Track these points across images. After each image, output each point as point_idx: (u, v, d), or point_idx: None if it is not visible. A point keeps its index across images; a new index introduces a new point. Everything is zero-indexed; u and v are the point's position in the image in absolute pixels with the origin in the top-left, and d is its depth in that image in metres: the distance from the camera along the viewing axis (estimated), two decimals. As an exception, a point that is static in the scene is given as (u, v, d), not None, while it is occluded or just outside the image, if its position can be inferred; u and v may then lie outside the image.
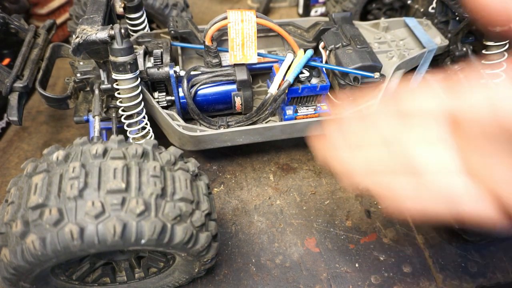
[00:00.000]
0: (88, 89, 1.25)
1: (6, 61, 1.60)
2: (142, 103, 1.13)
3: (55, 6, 1.85)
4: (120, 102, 1.10)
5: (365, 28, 1.48)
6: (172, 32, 1.29)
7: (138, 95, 1.09)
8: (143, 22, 1.39)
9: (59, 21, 1.87)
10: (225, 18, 1.19)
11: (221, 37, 1.34)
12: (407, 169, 0.59)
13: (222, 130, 1.20)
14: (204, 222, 0.83)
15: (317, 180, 1.38)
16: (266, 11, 2.22)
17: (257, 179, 1.38)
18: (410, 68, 1.40)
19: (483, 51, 1.34)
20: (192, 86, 1.22)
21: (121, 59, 0.99)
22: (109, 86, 1.12)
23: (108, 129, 1.26)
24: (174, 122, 1.18)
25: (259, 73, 1.41)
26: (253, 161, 1.44)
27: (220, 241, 1.10)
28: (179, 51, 1.39)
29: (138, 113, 1.13)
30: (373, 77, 1.23)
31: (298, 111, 1.27)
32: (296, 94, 1.24)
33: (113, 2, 1.20)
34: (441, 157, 0.56)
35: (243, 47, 1.20)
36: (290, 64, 1.22)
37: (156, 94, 1.22)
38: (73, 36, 0.95)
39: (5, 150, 1.46)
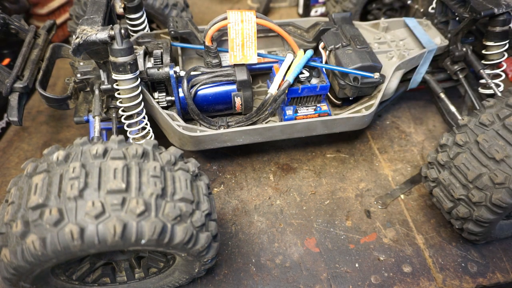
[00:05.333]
0: (88, 89, 1.25)
1: (6, 61, 1.60)
2: (142, 103, 1.13)
3: (55, 6, 1.85)
4: (120, 102, 1.10)
5: (365, 28, 1.48)
6: (172, 32, 1.29)
7: (138, 95, 1.09)
8: (143, 22, 1.39)
9: (59, 21, 1.87)
10: (225, 18, 1.19)
11: (221, 38, 1.34)
12: None
13: (222, 130, 1.20)
14: (204, 222, 0.83)
15: (317, 180, 1.38)
16: (266, 11, 2.22)
17: (257, 179, 1.38)
18: (410, 68, 1.40)
19: (483, 51, 1.34)
20: (192, 86, 1.22)
21: (121, 59, 0.99)
22: (109, 86, 1.12)
23: (108, 129, 1.26)
24: (174, 122, 1.18)
25: (259, 73, 1.42)
26: (253, 161, 1.44)
27: (220, 241, 1.10)
28: (179, 51, 1.39)
29: (138, 114, 1.13)
30: (373, 78, 1.23)
31: (298, 111, 1.27)
32: (296, 94, 1.24)
33: (113, 2, 1.20)
34: None
35: (243, 47, 1.20)
36: (290, 65, 1.23)
37: (156, 95, 1.22)
38: (73, 36, 0.95)
39: (5, 150, 1.46)
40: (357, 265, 1.16)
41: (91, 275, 1.01)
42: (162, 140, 1.24)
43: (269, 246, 1.20)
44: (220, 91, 1.25)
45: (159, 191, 0.77)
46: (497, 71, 1.35)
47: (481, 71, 1.33)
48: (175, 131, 1.18)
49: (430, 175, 1.15)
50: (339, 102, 1.37)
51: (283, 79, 1.20)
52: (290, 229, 1.24)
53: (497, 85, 1.32)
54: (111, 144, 0.82)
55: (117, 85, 1.07)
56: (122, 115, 1.13)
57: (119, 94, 1.08)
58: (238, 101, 1.26)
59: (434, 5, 1.50)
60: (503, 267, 1.17)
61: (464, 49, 1.37)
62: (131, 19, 1.36)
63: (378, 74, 1.23)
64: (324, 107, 1.29)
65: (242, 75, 1.22)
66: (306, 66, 1.25)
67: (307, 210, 1.29)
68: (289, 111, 1.26)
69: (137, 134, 1.16)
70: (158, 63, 1.21)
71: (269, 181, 1.38)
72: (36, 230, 0.71)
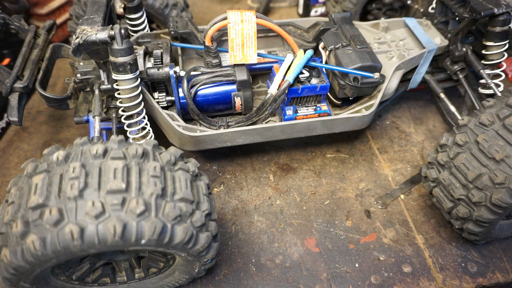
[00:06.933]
0: (88, 89, 1.26)
1: (6, 61, 1.60)
2: (142, 103, 1.13)
3: (55, 6, 1.85)
4: (120, 102, 1.10)
5: (365, 28, 1.48)
6: (172, 32, 1.29)
7: (138, 95, 1.09)
8: (143, 22, 1.39)
9: (59, 21, 1.87)
10: (225, 18, 1.19)
11: (221, 38, 1.34)
12: None
13: (222, 131, 1.20)
14: (204, 222, 0.83)
15: (317, 180, 1.38)
16: (266, 11, 2.22)
17: (257, 179, 1.38)
18: (410, 68, 1.40)
19: (483, 51, 1.34)
20: (192, 86, 1.22)
21: (121, 59, 0.99)
22: (109, 86, 1.12)
23: (108, 129, 1.26)
24: (174, 122, 1.18)
25: (259, 73, 1.42)
26: (253, 161, 1.44)
27: (220, 241, 1.10)
28: (179, 51, 1.39)
29: (138, 114, 1.13)
30: (373, 78, 1.23)
31: (298, 111, 1.27)
32: (296, 95, 1.24)
33: (113, 2, 1.20)
34: None
35: (243, 47, 1.20)
36: (290, 65, 1.23)
37: (156, 95, 1.22)
38: (73, 36, 0.95)
39: (5, 150, 1.46)
40: (357, 265, 1.16)
41: (91, 275, 1.01)
42: (162, 140, 1.24)
43: (269, 246, 1.20)
44: (220, 91, 1.25)
45: (159, 191, 0.77)
46: (497, 71, 1.35)
47: (481, 71, 1.33)
48: (175, 131, 1.18)
49: (430, 175, 1.15)
50: (339, 102, 1.37)
51: (283, 79, 1.20)
52: (290, 229, 1.24)
53: (497, 85, 1.32)
54: (111, 144, 0.82)
55: (117, 85, 1.07)
56: (122, 115, 1.13)
57: (119, 94, 1.08)
58: (238, 101, 1.26)
59: (434, 5, 1.50)
60: (503, 267, 1.17)
61: (464, 49, 1.37)
62: (131, 19, 1.36)
63: (378, 74, 1.23)
64: (324, 107, 1.29)
65: (242, 75, 1.22)
66: (306, 66, 1.25)
67: (307, 210, 1.29)
68: (289, 111, 1.26)
69: (137, 134, 1.16)
70: (158, 63, 1.21)
71: (269, 181, 1.38)
72: (36, 230, 0.71)
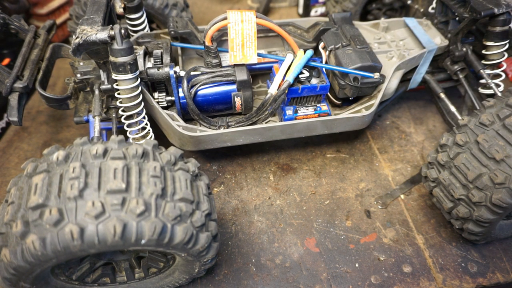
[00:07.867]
0: (88, 89, 1.26)
1: (6, 61, 1.60)
2: (142, 103, 1.13)
3: (55, 6, 1.85)
4: (120, 102, 1.10)
5: (365, 28, 1.48)
6: (172, 32, 1.29)
7: (138, 95, 1.09)
8: (143, 22, 1.39)
9: (59, 21, 1.87)
10: (225, 18, 1.19)
11: (221, 38, 1.34)
12: None
13: (222, 131, 1.20)
14: (204, 222, 0.83)
15: (317, 180, 1.38)
16: (266, 11, 2.22)
17: (257, 179, 1.38)
18: (410, 68, 1.40)
19: (483, 51, 1.34)
20: (192, 86, 1.22)
21: (121, 59, 0.99)
22: (109, 86, 1.12)
23: (108, 129, 1.26)
24: (174, 122, 1.18)
25: (259, 73, 1.42)
26: (253, 161, 1.44)
27: (220, 241, 1.10)
28: (179, 51, 1.39)
29: (138, 114, 1.13)
30: (373, 78, 1.23)
31: (298, 111, 1.27)
32: (296, 95, 1.24)
33: (113, 2, 1.20)
34: None
35: (243, 47, 1.20)
36: (290, 65, 1.23)
37: (156, 95, 1.22)
38: (73, 36, 0.95)
39: (5, 150, 1.46)
40: (357, 265, 1.16)
41: (91, 275, 1.01)
42: (162, 140, 1.24)
43: (269, 246, 1.20)
44: (220, 91, 1.25)
45: (159, 191, 0.77)
46: (497, 71, 1.35)
47: (481, 71, 1.33)
48: (175, 131, 1.18)
49: (430, 175, 1.15)
50: (339, 102, 1.37)
51: (283, 79, 1.20)
52: (290, 229, 1.24)
53: (497, 85, 1.32)
54: (111, 144, 0.82)
55: (117, 85, 1.07)
56: (122, 115, 1.13)
57: (119, 94, 1.08)
58: (238, 101, 1.26)
59: (434, 5, 1.50)
60: (503, 267, 1.17)
61: (464, 49, 1.37)
62: (131, 19, 1.36)
63: (378, 74, 1.23)
64: (324, 107, 1.29)
65: (242, 75, 1.22)
66: (306, 66, 1.25)
67: (307, 210, 1.29)
68: (289, 111, 1.26)
69: (137, 134, 1.16)
70: (158, 63, 1.21)
71: (269, 181, 1.38)
72: (36, 230, 0.71)
